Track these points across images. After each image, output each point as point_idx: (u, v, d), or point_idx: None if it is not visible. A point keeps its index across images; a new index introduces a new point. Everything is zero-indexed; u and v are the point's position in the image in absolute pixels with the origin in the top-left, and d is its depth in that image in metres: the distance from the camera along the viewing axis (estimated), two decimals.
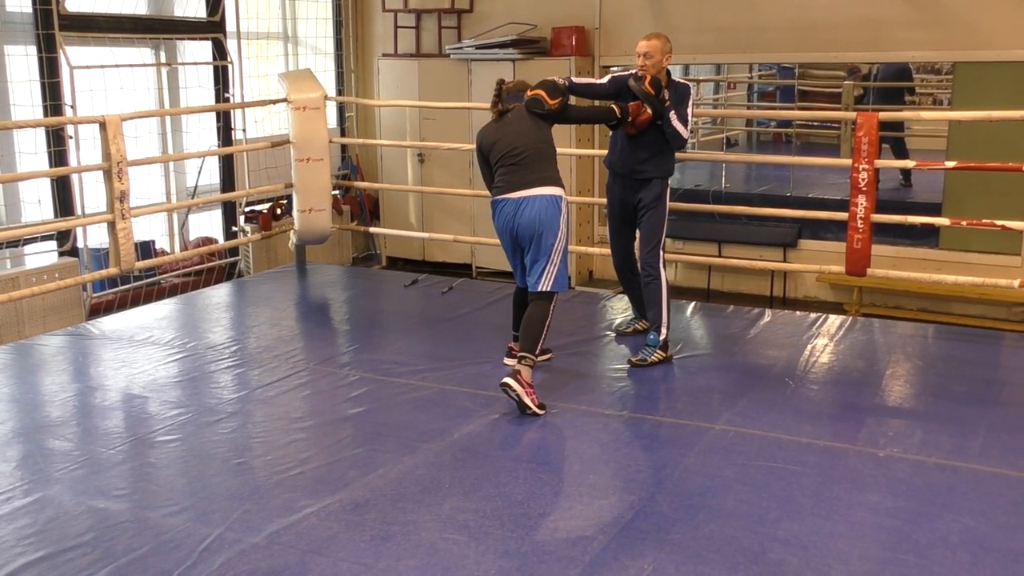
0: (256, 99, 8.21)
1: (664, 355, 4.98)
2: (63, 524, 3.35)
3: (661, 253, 5.03)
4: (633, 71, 4.95)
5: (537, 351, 4.42)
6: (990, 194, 7.04)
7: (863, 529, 3.32)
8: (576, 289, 8.19)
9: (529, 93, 4.66)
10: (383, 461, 3.82)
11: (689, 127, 4.93)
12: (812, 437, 4.06)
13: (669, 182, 5.10)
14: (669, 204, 5.09)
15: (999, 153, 6.55)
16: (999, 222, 5.44)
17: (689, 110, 4.91)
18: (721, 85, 11.87)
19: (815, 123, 11.28)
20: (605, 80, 5.12)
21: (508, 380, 4.30)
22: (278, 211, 8.18)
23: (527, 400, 4.28)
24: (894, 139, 9.43)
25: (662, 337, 4.98)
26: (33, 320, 6.48)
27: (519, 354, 4.41)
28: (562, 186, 4.55)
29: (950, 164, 6.29)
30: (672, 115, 4.86)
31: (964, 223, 5.93)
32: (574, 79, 5.05)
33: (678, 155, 5.22)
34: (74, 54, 6.90)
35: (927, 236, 7.68)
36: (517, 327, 4.80)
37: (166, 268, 7.67)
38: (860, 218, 5.48)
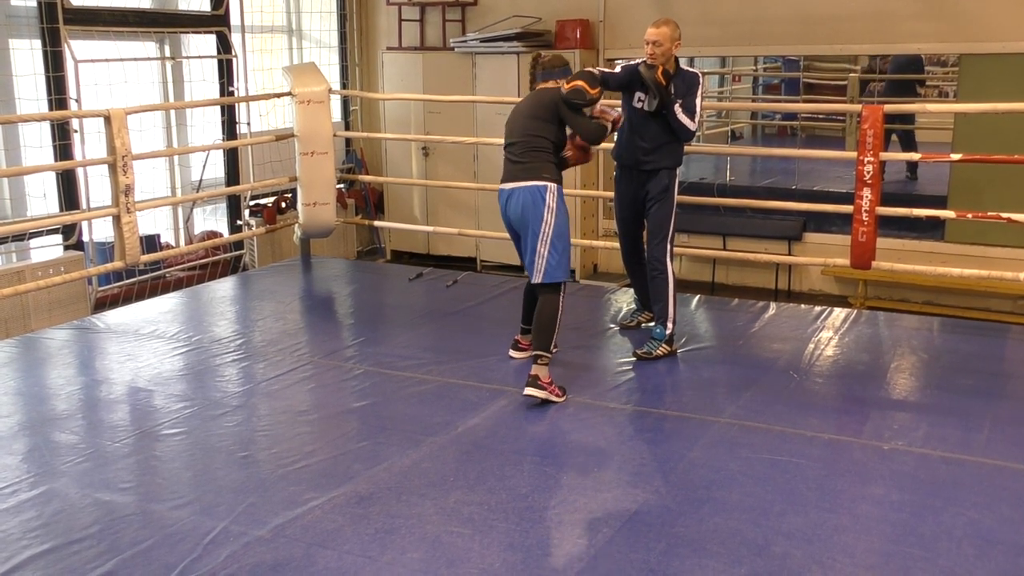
0: (260, 93, 8.22)
1: (669, 349, 4.97)
2: (69, 517, 3.36)
3: (668, 247, 4.98)
4: (643, 59, 4.91)
5: (551, 347, 4.39)
6: (996, 187, 7.03)
7: (868, 522, 3.32)
8: (580, 283, 8.20)
9: (567, 86, 4.46)
10: (388, 454, 3.83)
11: (697, 118, 4.87)
12: (817, 430, 4.06)
13: (678, 173, 5.04)
14: (677, 197, 5.06)
15: (1005, 145, 6.53)
16: (1005, 215, 5.42)
17: (698, 100, 4.84)
18: (726, 78, 11.86)
19: (820, 116, 11.27)
20: (619, 69, 5.00)
21: (529, 391, 4.29)
22: (282, 205, 8.19)
23: (554, 399, 4.32)
24: (903, 131, 9.41)
25: (668, 331, 4.97)
26: (39, 314, 6.50)
27: (534, 353, 4.39)
28: (551, 178, 4.44)
29: (956, 157, 6.27)
30: (677, 108, 4.80)
31: (970, 216, 5.91)
32: (603, 68, 4.95)
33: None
34: (79, 48, 6.91)
35: (932, 229, 7.67)
36: (525, 320, 4.81)
37: (171, 262, 7.68)
38: (865, 211, 5.46)
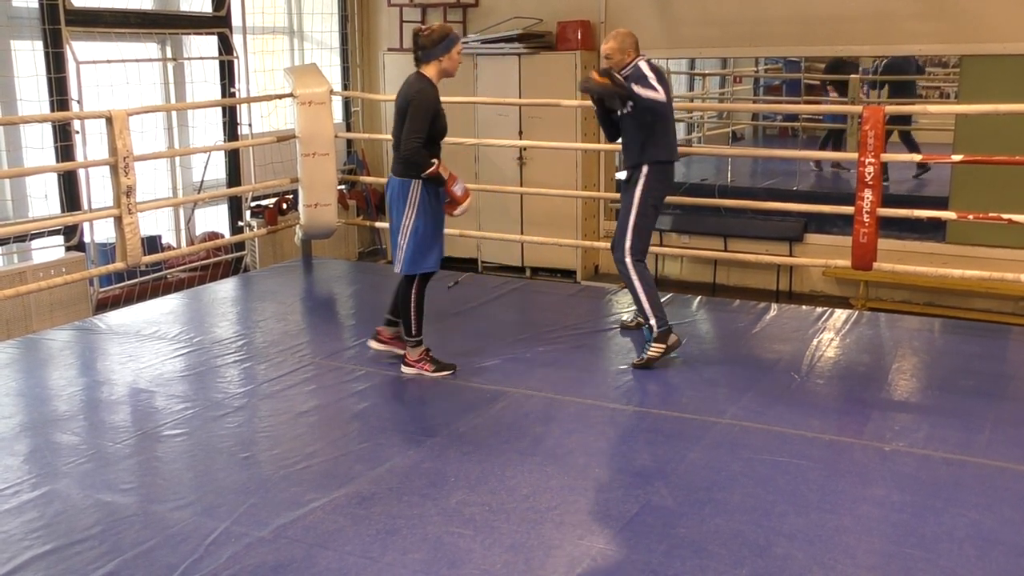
0: (262, 94, 8.22)
1: (664, 346, 4.88)
2: (71, 518, 3.36)
3: (629, 244, 4.92)
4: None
5: (413, 334, 4.72)
6: (997, 188, 7.02)
7: (869, 523, 3.32)
8: (581, 283, 8.20)
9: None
10: (389, 455, 3.83)
11: (659, 89, 4.75)
12: (818, 431, 4.06)
13: (646, 170, 4.92)
14: (658, 194, 4.98)
15: (1006, 146, 6.53)
16: (1006, 216, 5.42)
17: (650, 79, 4.74)
18: (727, 79, 11.87)
19: (820, 117, 11.28)
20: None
21: (402, 370, 4.73)
22: (284, 206, 8.19)
23: (427, 375, 4.69)
24: (903, 132, 9.43)
25: (656, 329, 4.89)
26: (40, 315, 6.50)
27: (404, 337, 4.77)
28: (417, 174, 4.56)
29: (957, 158, 6.27)
30: (636, 88, 4.71)
31: (971, 217, 5.91)
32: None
33: (683, 149, 5.20)
34: (80, 49, 6.91)
35: (934, 230, 7.67)
36: (390, 311, 4.97)
37: (172, 263, 7.68)
38: (866, 212, 5.46)
